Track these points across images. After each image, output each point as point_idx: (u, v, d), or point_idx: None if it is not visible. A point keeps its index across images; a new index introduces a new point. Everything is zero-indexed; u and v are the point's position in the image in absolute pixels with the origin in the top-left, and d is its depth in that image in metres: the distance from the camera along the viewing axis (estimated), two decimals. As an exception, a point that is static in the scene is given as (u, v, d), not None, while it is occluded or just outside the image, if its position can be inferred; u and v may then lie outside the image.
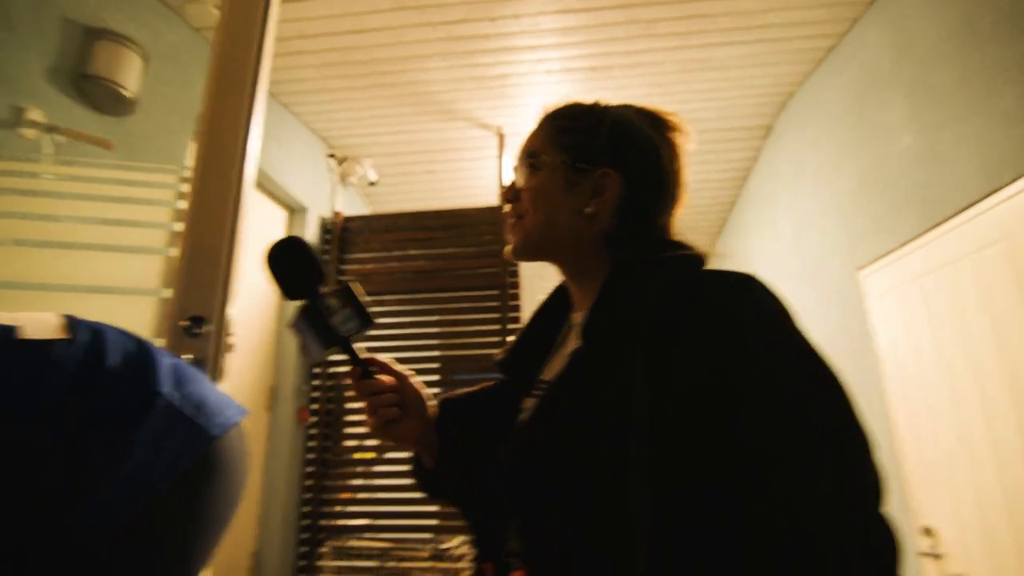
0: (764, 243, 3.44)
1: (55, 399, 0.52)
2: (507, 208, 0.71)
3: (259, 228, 1.83)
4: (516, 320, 2.68)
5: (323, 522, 2.57)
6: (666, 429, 0.49)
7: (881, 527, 0.45)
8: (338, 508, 2.60)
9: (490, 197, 3.47)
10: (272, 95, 2.79)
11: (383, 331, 2.82)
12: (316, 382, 2.74)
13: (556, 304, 0.74)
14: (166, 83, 2.03)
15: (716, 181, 3.70)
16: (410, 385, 0.72)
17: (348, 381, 2.54)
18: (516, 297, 2.71)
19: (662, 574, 0.47)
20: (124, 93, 1.81)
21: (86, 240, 1.23)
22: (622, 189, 0.65)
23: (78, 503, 0.51)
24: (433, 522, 2.51)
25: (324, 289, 0.66)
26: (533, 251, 0.69)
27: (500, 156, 3.19)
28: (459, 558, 2.35)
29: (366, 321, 0.66)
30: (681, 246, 0.64)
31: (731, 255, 4.02)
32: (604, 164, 0.65)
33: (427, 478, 0.75)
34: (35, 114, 1.55)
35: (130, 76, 1.83)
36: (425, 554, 2.38)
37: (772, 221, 3.32)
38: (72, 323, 0.58)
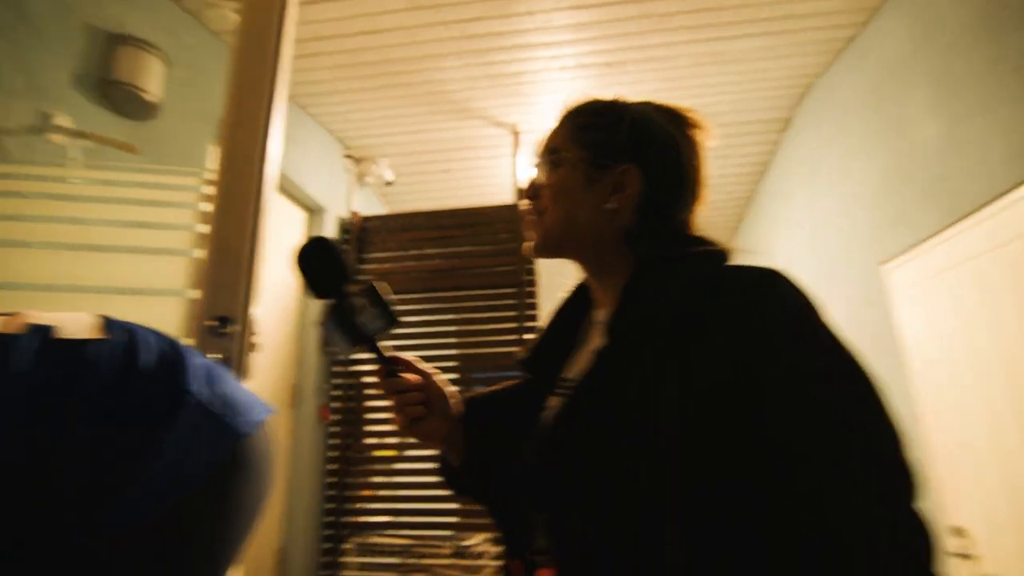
0: (782, 238, 3.40)
1: (90, 398, 0.53)
2: (528, 205, 0.71)
3: (279, 229, 1.85)
4: (533, 318, 2.68)
5: (346, 519, 2.59)
6: (689, 425, 0.49)
7: (912, 523, 0.44)
8: (360, 505, 2.62)
9: (505, 195, 3.47)
10: (289, 97, 2.82)
11: (401, 330, 2.84)
12: (337, 380, 2.77)
13: (577, 301, 0.74)
14: (186, 86, 2.07)
15: (732, 176, 3.66)
16: (435, 383, 0.72)
17: (369, 379, 2.56)
18: (533, 295, 2.71)
19: (685, 570, 0.47)
20: (147, 97, 1.84)
21: (113, 242, 1.26)
22: (643, 185, 0.65)
23: (108, 501, 0.52)
24: (454, 519, 2.52)
25: (351, 288, 0.67)
26: (554, 248, 0.69)
27: (515, 154, 3.20)
28: (480, 555, 2.36)
29: (391, 320, 0.67)
30: (703, 242, 0.64)
31: (754, 250, 3.97)
32: (625, 160, 0.65)
33: (454, 476, 0.75)
34: (62, 119, 1.59)
35: (152, 81, 1.86)
36: (447, 551, 2.40)
37: (790, 216, 3.28)
38: (108, 323, 0.59)
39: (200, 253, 1.12)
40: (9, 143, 1.49)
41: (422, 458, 2.57)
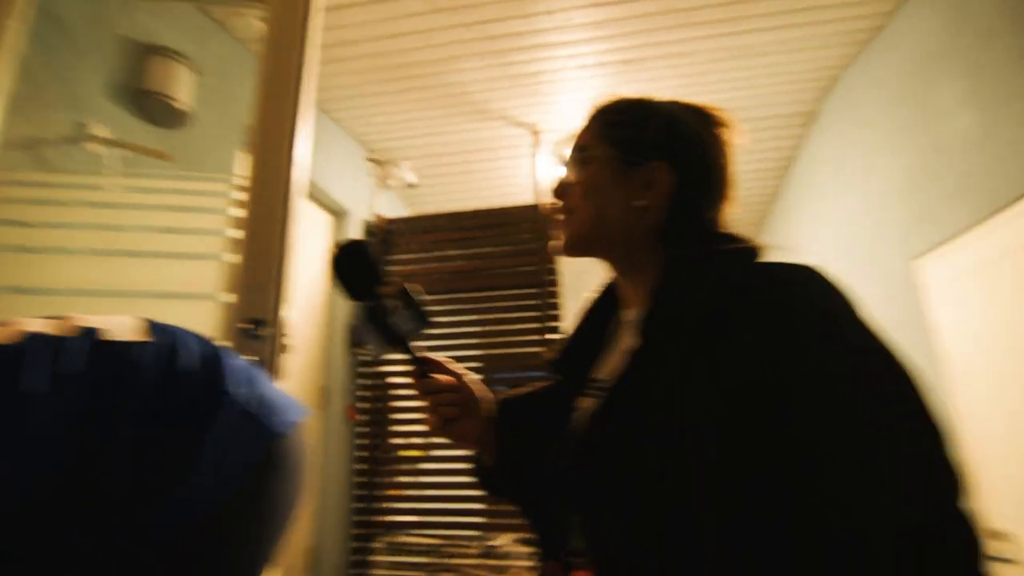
0: (808, 234, 3.33)
1: (136, 399, 0.55)
2: (556, 204, 0.71)
3: (306, 233, 1.89)
4: (555, 318, 2.67)
5: (375, 518, 2.62)
6: (716, 423, 0.48)
7: (949, 525, 0.43)
8: (388, 504, 2.65)
9: (526, 195, 3.48)
10: (312, 102, 2.86)
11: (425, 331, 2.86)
12: (364, 381, 2.80)
13: (605, 301, 0.74)
14: (215, 94, 2.11)
15: (755, 172, 3.61)
16: (468, 384, 0.73)
17: (395, 380, 2.57)
18: (555, 295, 2.71)
19: (713, 569, 0.46)
20: (177, 106, 1.89)
21: (148, 248, 1.30)
22: (673, 182, 0.64)
23: (155, 501, 0.53)
24: (481, 519, 2.53)
25: (384, 290, 0.68)
26: (584, 246, 0.68)
27: (535, 154, 3.20)
28: (507, 555, 2.36)
29: (424, 321, 0.68)
30: (734, 239, 0.63)
31: (785, 247, 3.92)
32: (654, 157, 0.65)
33: (487, 477, 0.76)
34: (98, 129, 1.64)
35: (182, 89, 1.91)
36: (474, 551, 2.41)
37: (816, 211, 3.21)
38: (151, 326, 0.61)
39: (232, 257, 1.15)
40: (48, 153, 1.54)
41: (449, 458, 2.59)
